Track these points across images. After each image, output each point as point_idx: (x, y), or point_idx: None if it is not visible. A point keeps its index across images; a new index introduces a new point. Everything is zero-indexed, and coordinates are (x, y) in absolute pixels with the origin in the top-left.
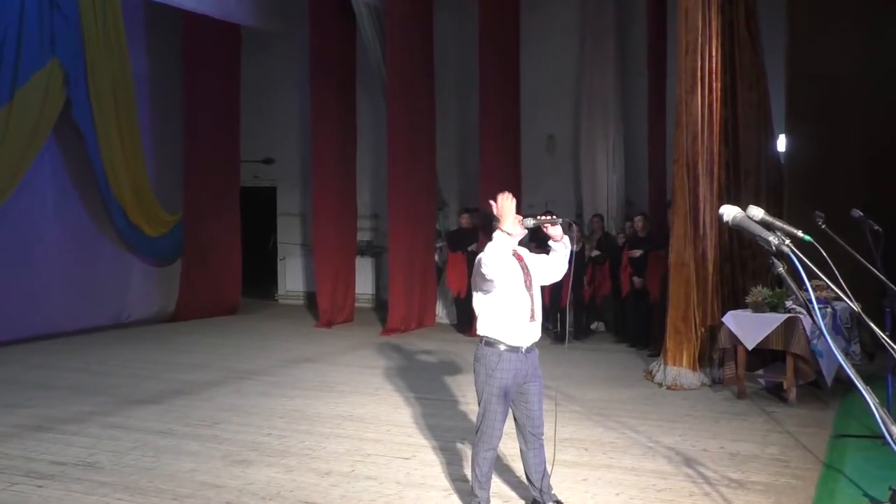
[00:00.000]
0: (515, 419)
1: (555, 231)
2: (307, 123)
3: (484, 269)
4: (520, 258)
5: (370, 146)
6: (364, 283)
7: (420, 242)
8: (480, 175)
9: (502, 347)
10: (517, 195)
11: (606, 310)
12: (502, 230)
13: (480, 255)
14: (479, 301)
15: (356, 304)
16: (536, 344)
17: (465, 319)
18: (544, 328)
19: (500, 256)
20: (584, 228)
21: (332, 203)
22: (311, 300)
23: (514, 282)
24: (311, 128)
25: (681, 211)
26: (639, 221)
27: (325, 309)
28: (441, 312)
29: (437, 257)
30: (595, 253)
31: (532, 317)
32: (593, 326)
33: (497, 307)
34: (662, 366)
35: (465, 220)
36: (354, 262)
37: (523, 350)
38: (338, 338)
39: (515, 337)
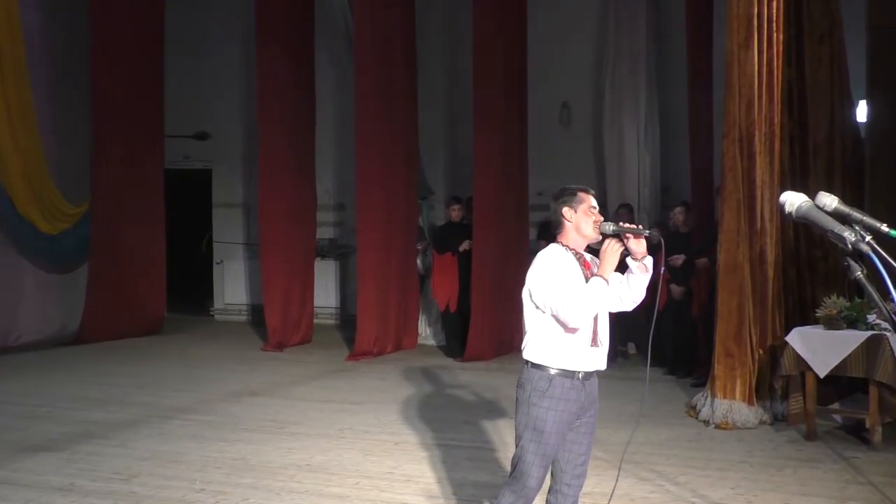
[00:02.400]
0: (552, 463)
1: (638, 246)
2: (251, 89)
3: (564, 316)
4: (587, 266)
5: (333, 119)
6: (326, 294)
7: (397, 241)
8: (475, 155)
9: (553, 371)
10: (523, 179)
11: (637, 327)
12: (601, 276)
13: (549, 281)
14: (532, 316)
15: (315, 321)
16: (599, 372)
17: (456, 339)
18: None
19: (588, 306)
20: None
21: (285, 191)
22: (256, 315)
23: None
24: (256, 95)
25: (732, 199)
26: (679, 213)
27: (275, 327)
28: (425, 331)
29: (419, 261)
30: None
31: (594, 341)
32: (625, 349)
33: (551, 326)
34: (709, 398)
35: (456, 213)
36: (313, 266)
37: (580, 377)
38: (291, 364)
39: (569, 361)
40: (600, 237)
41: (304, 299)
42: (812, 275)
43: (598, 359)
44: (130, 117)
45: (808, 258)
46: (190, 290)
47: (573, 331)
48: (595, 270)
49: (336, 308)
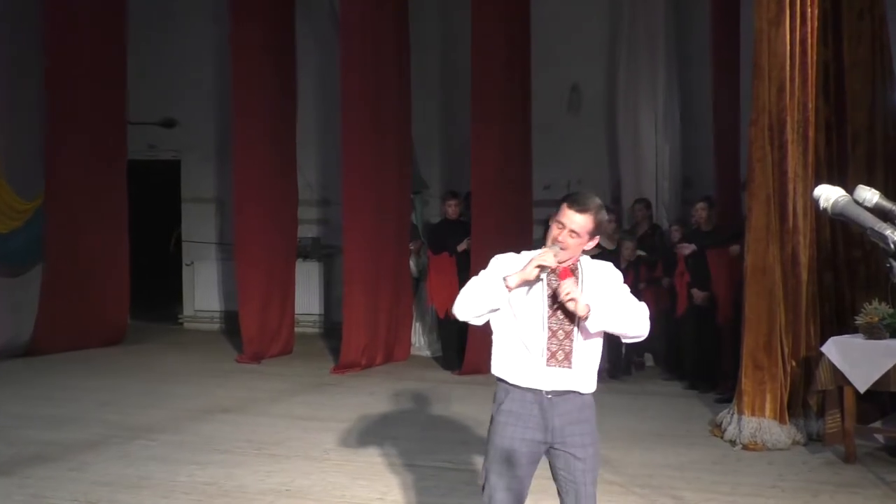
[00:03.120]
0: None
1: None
2: (225, 72)
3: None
4: (562, 275)
5: (316, 105)
6: (308, 299)
7: (388, 240)
8: (473, 145)
9: (510, 384)
10: (527, 171)
11: (656, 335)
12: (503, 277)
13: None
14: (493, 324)
15: (296, 329)
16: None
17: (453, 350)
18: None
19: (462, 299)
20: (624, 219)
21: (263, 184)
22: (231, 323)
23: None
24: (230, 78)
25: (761, 194)
26: (701, 210)
27: (252, 336)
28: (419, 341)
29: (412, 262)
30: (638, 253)
31: (551, 359)
32: (637, 359)
33: (501, 336)
34: (736, 416)
35: (453, 209)
36: (294, 268)
37: (548, 394)
38: (270, 378)
39: (522, 375)
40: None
41: (284, 305)
42: (851, 278)
43: (563, 379)
44: (89, 102)
45: (846, 259)
46: (156, 296)
47: (522, 332)
48: (561, 290)
49: (320, 315)
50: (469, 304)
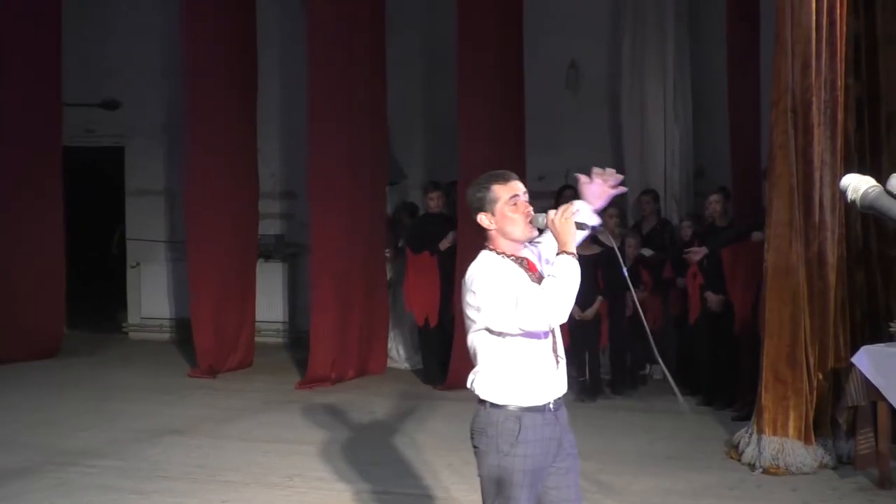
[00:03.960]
0: None
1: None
2: (175, 45)
3: (540, 317)
4: (532, 268)
5: (280, 84)
6: (271, 305)
7: (361, 237)
8: (460, 129)
9: (521, 409)
10: (520, 159)
11: (666, 345)
12: (566, 251)
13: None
14: (483, 345)
15: (257, 339)
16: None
17: (435, 362)
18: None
19: (567, 292)
20: (628, 213)
21: (219, 174)
22: (182, 332)
23: None
24: (181, 53)
25: (783, 184)
26: (715, 202)
27: (207, 347)
28: (397, 352)
29: (389, 263)
30: (645, 252)
31: (556, 356)
32: (645, 372)
33: (513, 350)
34: (755, 436)
35: (435, 202)
36: (254, 270)
37: (550, 407)
38: (227, 394)
39: (538, 391)
40: (536, 233)
41: (244, 312)
42: (886, 279)
43: (562, 379)
44: (17, 81)
45: (879, 258)
46: (97, 302)
47: (535, 342)
48: (544, 269)
49: (283, 323)
50: (568, 298)
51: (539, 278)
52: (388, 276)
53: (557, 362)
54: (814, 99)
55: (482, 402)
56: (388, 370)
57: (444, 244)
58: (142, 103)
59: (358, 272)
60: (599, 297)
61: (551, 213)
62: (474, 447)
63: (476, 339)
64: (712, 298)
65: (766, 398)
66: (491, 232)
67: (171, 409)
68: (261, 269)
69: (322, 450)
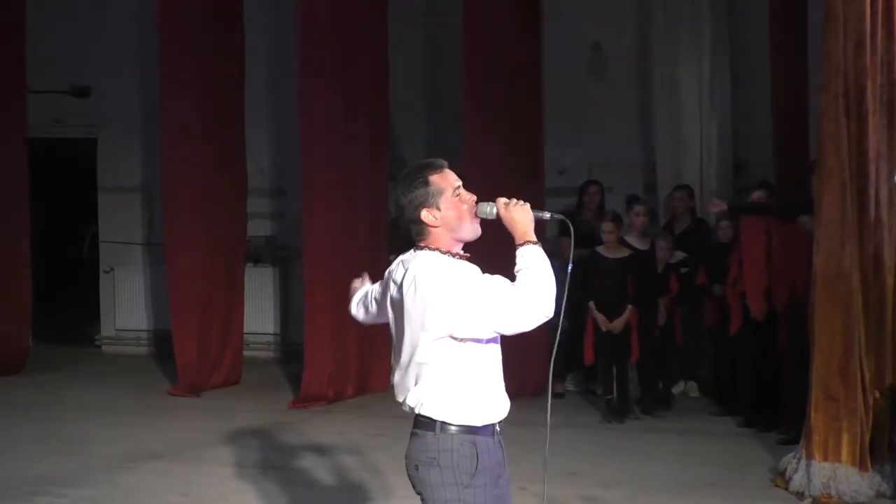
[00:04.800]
0: None
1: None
2: (152, 26)
3: (533, 311)
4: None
5: (269, 70)
6: (260, 314)
7: (361, 240)
8: (466, 119)
9: (476, 433)
10: (537, 152)
11: (700, 359)
12: (528, 240)
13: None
14: (438, 357)
15: (246, 353)
16: (575, 422)
17: None
18: (587, 393)
19: (547, 282)
20: (660, 211)
21: (202, 169)
22: (162, 346)
23: None
24: (158, 35)
25: (834, 179)
26: (758, 199)
27: (189, 362)
28: None
29: None
30: (678, 256)
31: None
32: (678, 389)
33: (469, 360)
34: (804, 461)
35: None
36: (242, 276)
37: (498, 429)
38: (212, 415)
39: (492, 407)
40: (480, 230)
41: (230, 322)
42: None
43: (506, 396)
44: None
45: None
46: (67, 312)
47: (492, 351)
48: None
49: (275, 335)
50: (550, 287)
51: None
52: None
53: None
54: (868, 82)
55: (427, 424)
56: (391, 388)
57: None
58: (116, 90)
59: (356, 277)
60: (629, 306)
61: (500, 200)
62: (417, 479)
63: (431, 352)
64: (755, 307)
65: (816, 419)
66: (433, 230)
67: (150, 431)
68: (249, 275)
69: (318, 477)
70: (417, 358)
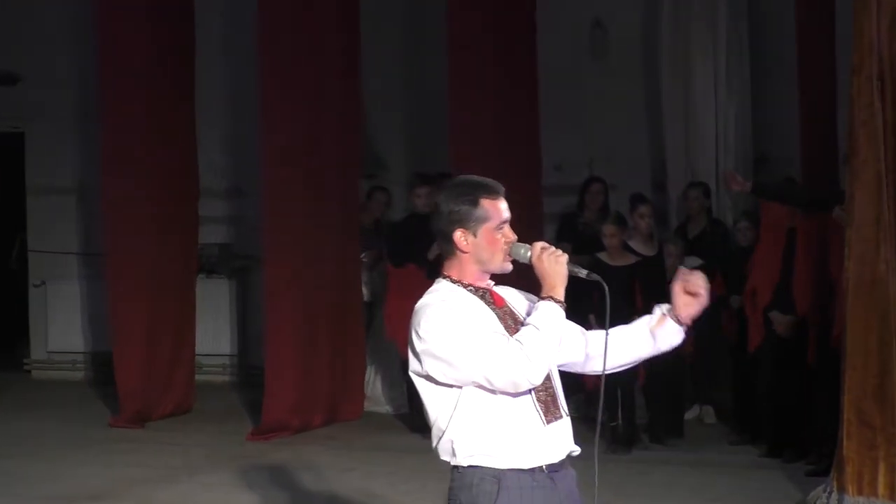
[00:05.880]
0: None
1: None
2: (88, 9)
3: (510, 377)
4: (498, 302)
5: (226, 54)
6: (215, 334)
7: (330, 245)
8: (450, 109)
9: (501, 467)
10: (531, 144)
11: (718, 381)
12: (553, 297)
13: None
14: (439, 400)
15: (198, 377)
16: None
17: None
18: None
19: (546, 348)
20: (672, 212)
21: (145, 168)
22: (101, 371)
23: None
24: (96, 16)
25: (868, 172)
26: None
27: (132, 388)
28: (376, 392)
29: (364, 278)
30: (691, 263)
31: (550, 411)
32: (691, 415)
33: (475, 406)
34: (836, 494)
35: (422, 199)
36: (194, 289)
37: (544, 470)
38: (159, 448)
39: (519, 451)
40: (511, 267)
41: (180, 343)
42: None
43: (563, 437)
44: None
45: None
46: None
47: (511, 402)
48: (514, 303)
49: (231, 356)
50: (545, 356)
51: (507, 315)
52: (365, 295)
53: (551, 416)
54: None
55: (454, 467)
56: (365, 415)
57: (433, 253)
58: (47, 78)
59: (326, 290)
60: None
61: (538, 246)
62: None
63: (430, 394)
64: (779, 320)
65: (849, 447)
66: (462, 255)
67: (88, 468)
68: (202, 288)
69: None
70: (422, 398)
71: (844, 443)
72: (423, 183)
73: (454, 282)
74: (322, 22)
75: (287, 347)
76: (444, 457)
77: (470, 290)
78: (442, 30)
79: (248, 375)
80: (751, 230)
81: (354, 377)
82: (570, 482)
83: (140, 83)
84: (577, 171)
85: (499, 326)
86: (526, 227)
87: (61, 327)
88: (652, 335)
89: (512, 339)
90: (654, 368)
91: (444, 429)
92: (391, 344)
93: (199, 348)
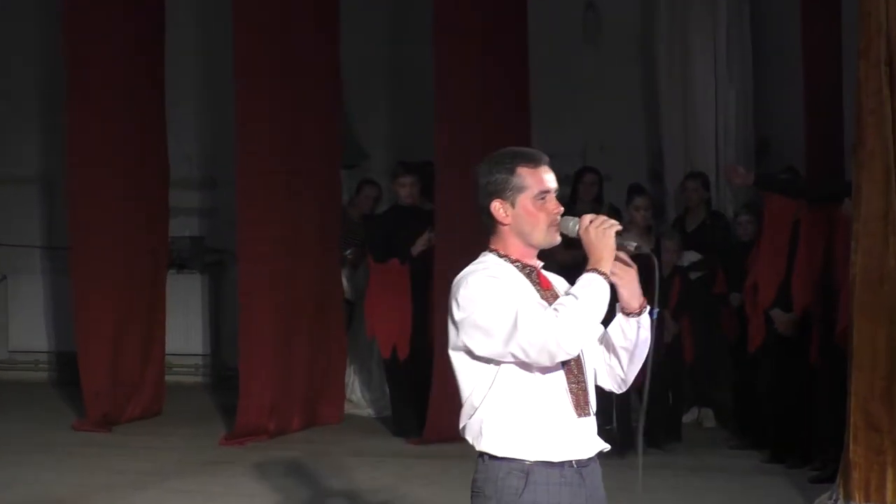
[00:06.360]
0: None
1: (625, 277)
2: None
3: (548, 347)
4: (545, 284)
5: (198, 37)
6: (187, 332)
7: (308, 239)
8: (437, 96)
9: (528, 461)
10: (521, 133)
11: (718, 382)
12: (597, 269)
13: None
14: (474, 380)
15: (169, 378)
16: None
17: (408, 407)
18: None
19: (586, 319)
20: (669, 204)
21: (114, 156)
22: (66, 371)
23: None
24: (63, 2)
25: (876, 164)
26: None
27: (99, 389)
28: (357, 394)
29: (345, 275)
30: (690, 258)
31: (581, 405)
32: (690, 418)
33: (511, 384)
34: (841, 501)
35: (408, 190)
36: (164, 285)
37: (574, 465)
38: (128, 453)
39: (549, 443)
40: (559, 239)
41: (150, 342)
42: None
43: (591, 434)
44: None
45: None
46: None
47: (540, 377)
48: (561, 289)
49: (204, 356)
50: (585, 327)
51: (552, 298)
52: (347, 292)
53: (582, 411)
54: None
55: (481, 454)
56: (346, 418)
57: (416, 248)
58: (6, 56)
59: (304, 286)
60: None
61: (586, 218)
62: None
63: (465, 373)
64: (780, 318)
65: (856, 451)
66: (502, 228)
67: (52, 474)
68: (173, 284)
69: None
70: (457, 378)
71: (851, 447)
72: (406, 172)
73: (501, 256)
74: (299, 3)
75: (263, 346)
76: (471, 438)
77: (517, 266)
78: (427, 11)
79: (222, 376)
80: (752, 223)
81: (334, 378)
82: (596, 478)
83: (107, 69)
84: (570, 161)
85: (541, 303)
86: None
87: (23, 325)
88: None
89: (549, 308)
90: (651, 370)
91: (476, 407)
92: (372, 343)
93: (169, 347)
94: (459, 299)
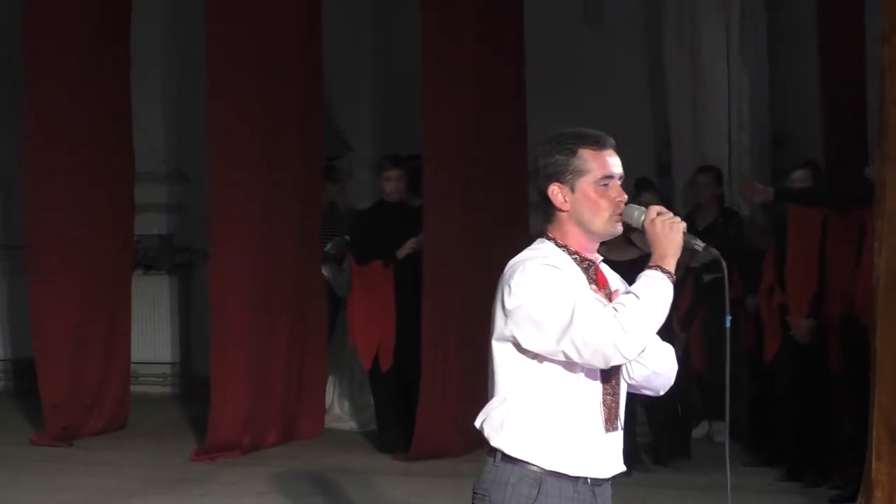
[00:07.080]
0: None
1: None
2: None
3: (606, 346)
4: (602, 281)
5: (166, 23)
6: (154, 339)
7: (286, 237)
8: (425, 82)
9: (542, 469)
10: (517, 122)
11: (732, 393)
12: (661, 267)
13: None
14: (513, 374)
15: (135, 388)
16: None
17: (392, 421)
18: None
19: (648, 321)
20: (677, 200)
21: (74, 151)
22: (24, 380)
23: None
24: None
25: None
26: (801, 182)
27: (59, 400)
28: (338, 407)
29: (327, 273)
30: (702, 256)
31: (611, 419)
32: (700, 433)
33: (547, 384)
34: None
35: (393, 184)
36: (129, 288)
37: (589, 482)
38: (90, 469)
39: (572, 455)
40: (621, 229)
41: (113, 349)
42: None
43: (614, 452)
44: None
45: None
46: None
47: (579, 384)
48: (616, 289)
49: (173, 364)
50: (647, 329)
51: (608, 298)
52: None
53: (608, 426)
54: None
55: (494, 451)
56: (326, 432)
57: (402, 251)
58: None
59: (282, 290)
60: None
61: (654, 209)
62: None
63: (499, 355)
64: (800, 325)
65: (879, 469)
66: (560, 214)
67: (8, 491)
68: (138, 286)
69: None
70: (494, 372)
71: (873, 464)
72: (392, 165)
73: (559, 245)
74: None
75: (236, 354)
76: (488, 430)
77: (574, 259)
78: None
79: (192, 386)
80: (767, 231)
81: (314, 389)
82: (607, 500)
83: (69, 56)
84: None
85: (600, 300)
86: (508, 214)
87: None
88: None
89: (608, 306)
90: None
91: (506, 398)
92: (353, 350)
93: (134, 355)
94: (513, 286)
